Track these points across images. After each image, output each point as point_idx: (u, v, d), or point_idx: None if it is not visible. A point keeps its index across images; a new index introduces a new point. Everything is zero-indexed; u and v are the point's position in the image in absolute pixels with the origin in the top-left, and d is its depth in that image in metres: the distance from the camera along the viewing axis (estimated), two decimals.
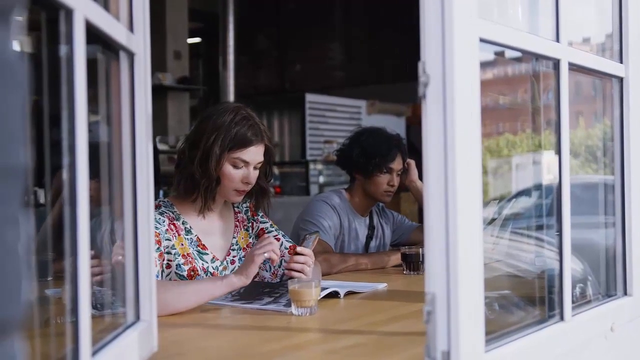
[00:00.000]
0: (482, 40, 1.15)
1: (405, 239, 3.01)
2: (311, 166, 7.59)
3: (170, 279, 1.97)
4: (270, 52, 9.94)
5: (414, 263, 2.48)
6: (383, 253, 2.78)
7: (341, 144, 2.97)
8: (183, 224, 2.06)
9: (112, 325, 1.24)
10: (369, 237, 2.92)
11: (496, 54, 1.34)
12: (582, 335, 1.49)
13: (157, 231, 1.94)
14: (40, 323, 1.14)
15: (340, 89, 8.96)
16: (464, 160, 1.09)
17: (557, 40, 1.43)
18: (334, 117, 8.39)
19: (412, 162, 2.91)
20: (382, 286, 2.19)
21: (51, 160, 0.97)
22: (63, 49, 0.93)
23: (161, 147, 6.50)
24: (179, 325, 1.66)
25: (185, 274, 1.98)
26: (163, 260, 1.96)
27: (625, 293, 1.70)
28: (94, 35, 1.03)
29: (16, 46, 0.69)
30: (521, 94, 1.72)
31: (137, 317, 1.28)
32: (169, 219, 2.03)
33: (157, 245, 1.92)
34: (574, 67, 1.47)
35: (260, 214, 2.25)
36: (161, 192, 3.97)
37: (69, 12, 0.92)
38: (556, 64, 1.43)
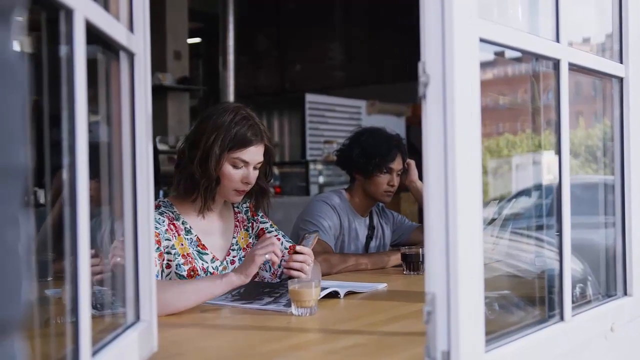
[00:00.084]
0: (482, 40, 1.15)
1: (405, 239, 3.01)
2: (311, 166, 7.59)
3: (170, 279, 1.97)
4: (270, 52, 9.95)
5: (414, 263, 2.48)
6: (383, 253, 2.78)
7: (341, 144, 2.97)
8: (183, 224, 2.06)
9: (112, 325, 1.24)
10: (369, 237, 2.92)
11: (496, 54, 1.34)
12: (582, 335, 1.49)
13: (157, 231, 1.94)
14: (41, 323, 1.14)
15: (340, 89, 8.96)
16: (464, 160, 1.09)
17: (557, 40, 1.43)
18: (333, 117, 8.39)
19: (412, 162, 2.91)
20: (382, 286, 2.19)
21: (51, 160, 0.97)
22: (63, 49, 0.93)
23: (161, 147, 6.51)
24: (179, 326, 1.66)
25: (185, 274, 1.98)
26: (163, 260, 1.96)
27: (625, 293, 1.70)
28: (94, 35, 1.03)
29: (16, 46, 0.69)
30: (521, 94, 1.72)
31: (137, 318, 1.28)
32: (169, 219, 2.03)
33: (157, 245, 1.92)
34: (574, 67, 1.47)
35: (260, 214, 2.25)
36: (161, 192, 3.97)
37: (69, 12, 0.92)
38: (556, 64, 1.43)
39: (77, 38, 0.93)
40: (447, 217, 1.08)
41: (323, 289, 1.89)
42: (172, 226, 2.02)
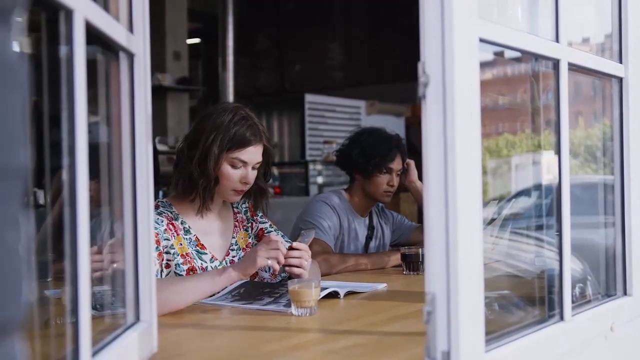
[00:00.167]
0: (481, 40, 1.15)
1: (405, 239, 3.01)
2: (311, 166, 7.58)
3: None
4: (270, 53, 9.95)
5: (413, 263, 2.48)
6: (383, 253, 2.78)
7: (341, 144, 2.97)
8: (182, 223, 2.06)
9: (112, 326, 1.24)
10: (369, 238, 2.92)
11: (496, 54, 1.34)
12: (582, 335, 1.49)
13: (156, 231, 1.94)
14: (40, 324, 1.14)
15: (340, 89, 8.96)
16: (464, 161, 1.09)
17: (557, 40, 1.43)
18: (333, 118, 8.39)
19: (412, 163, 2.91)
20: (381, 286, 2.19)
21: (51, 161, 0.97)
22: (63, 50, 0.93)
23: (161, 147, 6.51)
24: (178, 326, 1.66)
25: (184, 273, 1.98)
26: (162, 260, 1.96)
27: (625, 293, 1.70)
28: (94, 35, 1.03)
29: (16, 47, 0.69)
30: (521, 94, 1.72)
31: (137, 318, 1.28)
32: (168, 218, 2.03)
33: (156, 245, 1.92)
34: (573, 67, 1.47)
35: (260, 214, 2.26)
36: (160, 193, 3.97)
37: (69, 13, 0.92)
38: (556, 64, 1.43)
39: (76, 38, 0.93)
40: (447, 217, 1.08)
41: (323, 289, 1.89)
42: (171, 226, 2.02)
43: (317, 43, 9.61)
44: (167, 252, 1.98)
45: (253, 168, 2.06)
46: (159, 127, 6.92)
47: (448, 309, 1.07)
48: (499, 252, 1.70)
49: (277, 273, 2.14)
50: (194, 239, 2.06)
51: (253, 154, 2.04)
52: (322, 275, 2.31)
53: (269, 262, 1.86)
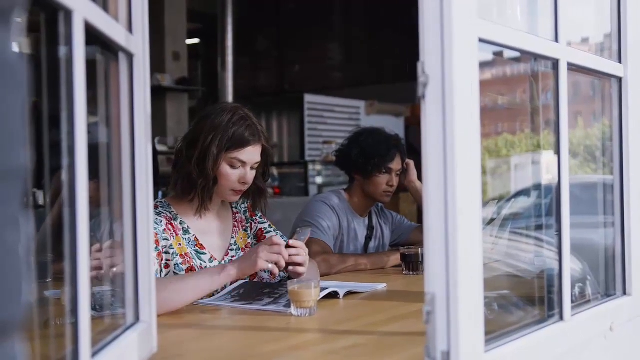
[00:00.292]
0: (481, 40, 1.15)
1: (405, 239, 3.01)
2: (310, 167, 7.58)
3: None
4: (270, 53, 9.96)
5: (413, 263, 2.48)
6: (382, 253, 2.78)
7: (340, 145, 2.97)
8: (181, 223, 2.06)
9: (111, 326, 1.24)
10: (368, 238, 2.92)
11: (495, 54, 1.34)
12: (582, 335, 1.49)
13: (155, 231, 1.94)
14: (40, 324, 1.14)
15: (340, 89, 8.97)
16: (464, 161, 1.09)
17: (556, 40, 1.43)
18: (332, 118, 8.40)
19: (411, 163, 2.91)
20: (381, 286, 2.19)
21: (50, 161, 0.97)
22: (62, 50, 0.93)
23: (160, 148, 6.51)
24: (178, 327, 1.66)
25: (183, 274, 1.98)
26: (161, 260, 1.96)
27: (624, 293, 1.70)
28: (93, 36, 1.03)
29: (16, 47, 0.69)
30: (520, 94, 1.72)
31: (137, 318, 1.28)
32: (167, 219, 2.03)
33: (155, 245, 1.92)
34: (572, 67, 1.47)
35: (259, 215, 2.26)
36: (160, 193, 3.97)
37: (69, 13, 0.92)
38: (555, 64, 1.43)
39: (76, 39, 0.93)
40: (447, 217, 1.08)
41: (322, 289, 1.89)
42: (169, 226, 2.02)
43: (316, 43, 9.61)
44: (166, 252, 1.98)
45: (252, 168, 2.06)
46: (159, 128, 6.92)
47: (448, 309, 1.07)
48: (498, 252, 1.70)
49: (276, 275, 2.14)
50: (192, 239, 2.06)
51: (252, 154, 2.04)
52: (321, 276, 2.31)
53: (270, 266, 1.86)
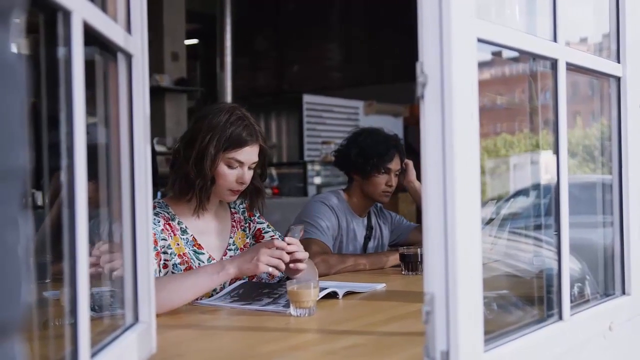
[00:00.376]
0: (480, 40, 1.15)
1: (404, 239, 3.01)
2: (309, 167, 7.58)
3: None
4: (269, 53, 9.96)
5: (412, 263, 2.48)
6: (381, 253, 2.78)
7: (339, 145, 2.97)
8: (178, 224, 2.06)
9: (110, 326, 1.24)
10: (367, 238, 2.92)
11: (493, 53, 1.34)
12: (581, 334, 1.49)
13: (153, 231, 1.94)
14: (39, 325, 1.14)
15: (339, 89, 8.97)
16: (463, 160, 1.09)
17: (555, 40, 1.43)
18: (331, 118, 8.40)
19: (410, 163, 2.91)
20: (380, 286, 2.19)
21: (49, 162, 0.97)
22: (61, 51, 0.93)
23: (159, 148, 6.50)
24: (177, 327, 1.66)
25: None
26: (160, 260, 1.96)
27: (623, 292, 1.70)
28: (92, 36, 1.03)
29: (14, 48, 0.69)
30: (519, 93, 1.72)
31: (136, 319, 1.28)
32: (164, 219, 2.03)
33: (154, 245, 1.92)
34: (571, 67, 1.47)
35: (257, 215, 2.26)
36: (159, 194, 3.96)
37: (67, 14, 0.92)
38: (554, 63, 1.43)
39: (75, 39, 0.93)
40: (446, 217, 1.08)
41: (322, 289, 1.89)
42: (167, 226, 2.02)
43: (315, 43, 9.61)
44: (164, 252, 1.98)
45: (249, 168, 2.06)
46: (157, 128, 6.91)
47: (447, 308, 1.07)
48: (497, 252, 1.71)
49: (276, 275, 2.14)
50: (191, 239, 2.06)
51: (249, 154, 2.04)
52: (320, 276, 2.31)
53: (270, 269, 1.86)
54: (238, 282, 2.05)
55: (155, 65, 6.95)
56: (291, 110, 8.41)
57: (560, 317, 1.41)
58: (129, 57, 1.25)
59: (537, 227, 1.65)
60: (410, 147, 4.78)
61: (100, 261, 1.33)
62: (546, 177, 1.53)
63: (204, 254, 2.07)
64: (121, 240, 1.27)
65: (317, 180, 7.58)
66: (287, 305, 1.77)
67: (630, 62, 1.70)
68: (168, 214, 2.06)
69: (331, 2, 9.52)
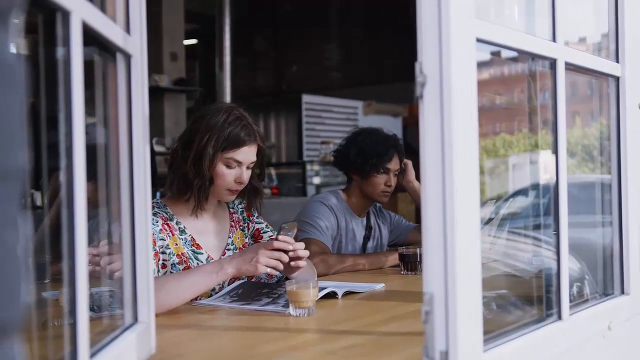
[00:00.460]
0: (479, 40, 1.15)
1: (403, 239, 3.01)
2: (308, 167, 7.58)
3: None
4: (268, 53, 9.96)
5: (411, 263, 2.48)
6: (381, 253, 2.78)
7: (338, 145, 2.97)
8: (177, 224, 2.06)
9: (110, 327, 1.24)
10: (366, 238, 2.92)
11: (492, 53, 1.34)
12: (580, 334, 1.49)
13: (152, 231, 1.94)
14: (38, 325, 1.14)
15: (338, 89, 8.97)
16: (462, 160, 1.09)
17: (554, 40, 1.43)
18: (330, 118, 8.40)
19: (409, 163, 2.91)
20: (380, 286, 2.19)
21: (48, 162, 0.97)
22: (60, 51, 0.93)
23: (158, 148, 6.50)
24: (177, 327, 1.66)
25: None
26: (158, 260, 1.96)
27: (622, 292, 1.71)
28: (91, 37, 1.03)
29: (13, 48, 0.69)
30: (518, 93, 1.72)
31: (135, 319, 1.28)
32: (163, 219, 2.03)
33: (152, 245, 1.92)
34: (570, 67, 1.47)
35: (256, 215, 2.26)
36: (158, 194, 3.97)
37: (66, 14, 0.92)
38: (553, 63, 1.43)
39: (74, 40, 0.93)
40: (445, 217, 1.08)
41: (321, 289, 1.89)
42: (166, 226, 2.02)
43: (314, 43, 9.61)
44: (163, 252, 1.98)
45: (247, 168, 2.06)
46: (156, 128, 6.91)
47: (446, 308, 1.07)
48: (496, 252, 1.71)
49: (274, 275, 2.14)
50: (189, 239, 2.06)
51: (247, 154, 2.04)
52: (320, 276, 2.31)
53: (269, 270, 1.86)
54: (237, 282, 2.05)
55: (154, 65, 6.95)
56: (290, 110, 8.41)
57: (560, 317, 1.41)
58: (128, 57, 1.25)
59: (536, 227, 1.65)
60: (410, 147, 4.78)
61: (101, 262, 1.33)
62: (545, 176, 1.53)
63: (202, 254, 2.07)
64: (120, 240, 1.27)
65: (316, 180, 7.59)
66: (286, 305, 1.77)
67: (629, 62, 1.70)
68: (166, 214, 2.06)
69: (329, 3, 9.52)
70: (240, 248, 2.17)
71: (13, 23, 0.68)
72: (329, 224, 2.75)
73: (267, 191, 6.54)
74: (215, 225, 2.15)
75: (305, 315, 1.72)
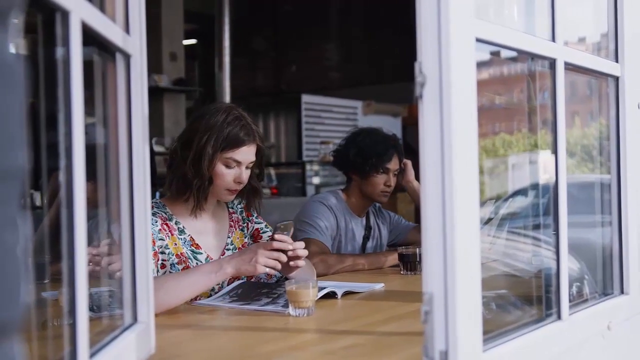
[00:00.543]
0: (478, 40, 1.15)
1: (402, 239, 3.01)
2: (307, 167, 7.58)
3: None
4: (267, 53, 9.96)
5: (411, 263, 2.48)
6: (380, 253, 2.79)
7: (337, 145, 2.97)
8: (176, 224, 2.06)
9: (109, 327, 1.24)
10: (366, 238, 2.92)
11: (492, 53, 1.34)
12: (580, 334, 1.49)
13: (151, 231, 1.94)
14: (38, 325, 1.14)
15: (337, 89, 8.97)
16: (461, 160, 1.09)
17: (553, 39, 1.43)
18: (330, 118, 8.40)
19: (409, 162, 2.91)
20: (379, 286, 2.19)
21: (48, 162, 0.97)
22: (59, 51, 0.93)
23: (157, 148, 6.50)
24: (176, 327, 1.66)
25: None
26: (157, 260, 1.96)
27: (622, 292, 1.71)
28: (90, 37, 1.03)
29: (13, 48, 0.69)
30: (517, 93, 1.72)
31: (135, 319, 1.28)
32: (162, 219, 2.03)
33: (151, 245, 1.92)
34: (569, 67, 1.47)
35: (255, 215, 2.26)
36: (157, 194, 3.97)
37: (65, 14, 0.92)
38: (552, 63, 1.43)
39: (73, 40, 0.93)
40: (445, 217, 1.08)
41: (320, 289, 1.89)
42: (165, 226, 2.02)
43: (314, 43, 9.61)
44: (162, 252, 1.99)
45: (247, 168, 2.07)
46: (156, 129, 6.91)
47: (446, 308, 1.07)
48: (496, 252, 1.71)
49: (273, 275, 2.14)
50: (188, 239, 2.06)
51: (247, 153, 2.05)
52: (319, 276, 2.31)
53: (268, 270, 1.86)
54: (237, 282, 2.05)
55: (154, 65, 6.95)
56: (290, 110, 8.41)
57: (559, 317, 1.41)
58: (127, 57, 1.25)
59: (536, 227, 1.65)
60: (409, 147, 4.78)
61: (102, 262, 1.33)
62: (545, 176, 1.53)
63: (201, 253, 2.07)
64: (120, 240, 1.27)
65: (316, 180, 7.58)
66: (285, 305, 1.77)
67: (628, 62, 1.70)
68: (165, 214, 2.06)
69: (330, 2, 9.53)
70: (239, 248, 2.17)
71: (13, 23, 0.68)
72: (329, 224, 2.75)
73: (266, 191, 6.54)
74: (215, 225, 2.15)
75: (305, 315, 1.72)
